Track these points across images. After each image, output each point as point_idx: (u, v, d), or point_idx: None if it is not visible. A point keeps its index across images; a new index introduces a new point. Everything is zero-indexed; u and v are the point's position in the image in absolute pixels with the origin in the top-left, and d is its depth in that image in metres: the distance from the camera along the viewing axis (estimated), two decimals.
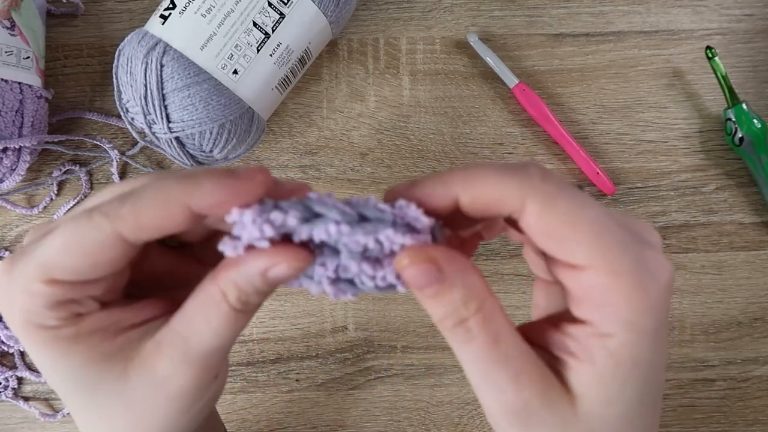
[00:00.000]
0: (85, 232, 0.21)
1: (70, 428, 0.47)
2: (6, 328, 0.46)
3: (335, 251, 0.22)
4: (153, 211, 0.21)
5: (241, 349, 0.48)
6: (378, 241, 0.21)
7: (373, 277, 0.22)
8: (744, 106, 0.47)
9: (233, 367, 0.48)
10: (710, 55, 0.47)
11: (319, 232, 0.21)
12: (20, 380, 0.47)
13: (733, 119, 0.47)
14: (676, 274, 0.49)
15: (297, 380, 0.48)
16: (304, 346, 0.48)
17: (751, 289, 0.49)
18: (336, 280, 0.22)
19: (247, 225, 0.21)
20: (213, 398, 0.25)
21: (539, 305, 0.27)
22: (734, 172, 0.49)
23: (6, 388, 0.47)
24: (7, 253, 0.47)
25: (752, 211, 0.49)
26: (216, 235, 0.25)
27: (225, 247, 0.21)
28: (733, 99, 0.47)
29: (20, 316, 0.22)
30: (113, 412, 0.23)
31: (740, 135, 0.47)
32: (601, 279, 0.21)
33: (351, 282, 0.22)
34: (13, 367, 0.47)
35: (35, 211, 0.47)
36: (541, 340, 0.23)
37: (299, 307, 0.48)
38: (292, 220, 0.21)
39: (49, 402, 0.47)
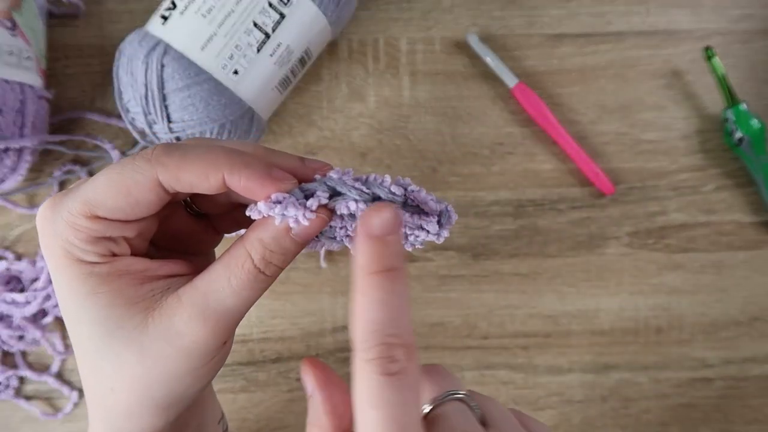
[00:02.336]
0: (127, 173, 0.23)
1: (71, 427, 0.47)
2: (8, 327, 0.46)
3: (353, 216, 0.25)
4: (193, 169, 0.23)
5: (241, 349, 0.48)
6: None
7: None
8: (743, 106, 0.47)
9: (234, 367, 0.48)
10: (709, 56, 0.48)
11: (341, 208, 0.24)
12: (21, 380, 0.47)
13: (732, 119, 0.47)
14: (675, 274, 0.49)
15: (297, 380, 0.48)
16: (304, 346, 0.48)
17: (750, 289, 0.49)
18: (354, 237, 0.25)
19: (288, 211, 0.23)
20: (217, 364, 0.26)
21: None
22: (733, 172, 0.49)
23: (7, 387, 0.47)
24: (8, 252, 0.47)
25: (751, 211, 0.49)
26: (235, 208, 0.28)
27: (252, 212, 0.24)
28: (732, 99, 0.47)
29: (61, 247, 0.24)
30: (125, 360, 0.24)
31: (739, 135, 0.47)
32: None
33: None
34: (15, 367, 0.47)
35: (36, 211, 0.47)
36: None
37: (299, 307, 0.48)
38: (323, 200, 0.24)
39: (51, 401, 0.47)
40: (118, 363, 0.24)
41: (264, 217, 0.24)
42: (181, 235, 0.28)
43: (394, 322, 0.21)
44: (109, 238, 0.24)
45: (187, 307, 0.24)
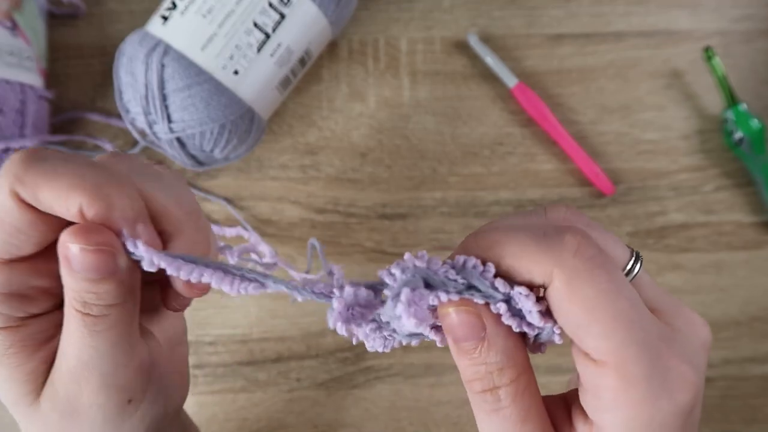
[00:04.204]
0: None
1: None
2: None
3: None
4: (54, 187, 0.20)
5: (241, 349, 0.48)
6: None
7: None
8: (743, 106, 0.47)
9: (234, 367, 0.48)
10: (709, 56, 0.48)
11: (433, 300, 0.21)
12: None
13: (732, 120, 0.47)
14: (675, 274, 0.49)
15: (297, 379, 0.48)
16: (304, 346, 0.48)
17: (750, 289, 0.49)
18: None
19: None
20: (138, 425, 0.24)
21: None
22: (733, 172, 0.49)
23: None
24: None
25: (751, 211, 0.49)
26: None
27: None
28: (732, 99, 0.47)
29: None
30: (32, 430, 0.23)
31: (739, 135, 0.47)
32: (610, 381, 0.19)
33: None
34: None
35: None
36: (553, 419, 0.22)
37: (299, 307, 0.48)
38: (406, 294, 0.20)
39: None
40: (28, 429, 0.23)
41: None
42: None
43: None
44: (22, 296, 0.21)
45: (64, 369, 0.22)
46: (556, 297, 0.20)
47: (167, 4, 0.41)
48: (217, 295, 0.47)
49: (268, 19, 0.41)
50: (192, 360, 0.47)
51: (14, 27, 0.42)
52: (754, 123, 0.47)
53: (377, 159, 0.48)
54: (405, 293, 0.20)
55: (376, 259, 0.48)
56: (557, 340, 0.22)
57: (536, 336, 0.22)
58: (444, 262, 0.21)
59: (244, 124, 0.43)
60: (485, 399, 0.21)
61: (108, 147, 0.47)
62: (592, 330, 0.19)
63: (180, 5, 0.41)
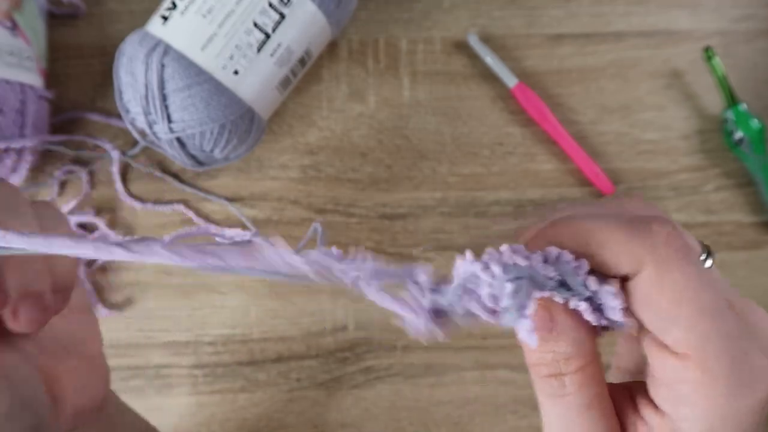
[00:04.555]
0: None
1: None
2: None
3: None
4: None
5: (241, 349, 0.48)
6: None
7: None
8: (743, 106, 0.47)
9: (233, 367, 0.48)
10: (709, 56, 0.48)
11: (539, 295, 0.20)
12: None
13: (732, 120, 0.47)
14: None
15: (297, 379, 0.48)
16: (304, 346, 0.48)
17: (750, 289, 0.49)
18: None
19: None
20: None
21: (621, 356, 0.26)
22: (733, 172, 0.49)
23: None
24: None
25: (751, 211, 0.49)
26: None
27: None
28: (732, 99, 0.47)
29: None
30: None
31: (739, 135, 0.47)
32: (690, 373, 0.19)
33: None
34: None
35: None
36: (616, 408, 0.22)
37: (300, 307, 0.48)
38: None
39: None
40: None
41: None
42: None
43: None
44: None
45: None
46: (643, 287, 0.19)
47: (167, 4, 0.41)
48: (216, 295, 0.47)
49: (268, 19, 0.41)
50: (192, 360, 0.47)
51: (14, 27, 0.42)
52: (754, 123, 0.47)
53: (377, 159, 0.48)
54: (532, 308, 0.20)
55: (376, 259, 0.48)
56: (633, 332, 0.21)
57: (606, 326, 0.22)
58: (534, 254, 0.21)
59: (244, 124, 0.43)
60: (550, 384, 0.21)
61: (108, 147, 0.47)
62: (677, 321, 0.19)
63: (180, 5, 0.41)
